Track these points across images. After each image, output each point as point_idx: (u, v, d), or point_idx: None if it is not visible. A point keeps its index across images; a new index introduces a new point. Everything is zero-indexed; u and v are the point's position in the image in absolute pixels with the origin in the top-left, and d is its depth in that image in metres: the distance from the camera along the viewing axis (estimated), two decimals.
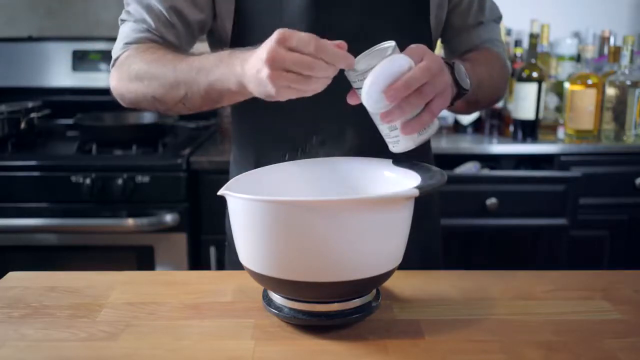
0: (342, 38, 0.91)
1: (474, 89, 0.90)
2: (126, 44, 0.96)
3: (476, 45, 1.05)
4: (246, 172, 0.82)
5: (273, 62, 0.68)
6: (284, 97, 0.72)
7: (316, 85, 0.71)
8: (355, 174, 0.84)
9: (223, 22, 0.97)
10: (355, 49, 0.83)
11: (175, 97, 0.87)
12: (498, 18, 1.09)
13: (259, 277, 0.72)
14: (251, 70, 0.73)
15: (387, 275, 0.73)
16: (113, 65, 0.97)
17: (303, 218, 0.66)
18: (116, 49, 0.97)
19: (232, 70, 0.77)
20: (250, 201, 0.69)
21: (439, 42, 1.07)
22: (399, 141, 0.77)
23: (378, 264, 0.71)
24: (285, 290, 0.73)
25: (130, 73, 0.91)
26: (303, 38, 0.68)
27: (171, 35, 0.97)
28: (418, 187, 0.68)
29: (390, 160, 0.82)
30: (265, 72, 0.69)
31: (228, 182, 0.75)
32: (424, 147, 1.08)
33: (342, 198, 0.68)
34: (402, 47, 0.76)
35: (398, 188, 0.76)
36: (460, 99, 0.87)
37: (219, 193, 0.72)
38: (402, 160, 0.81)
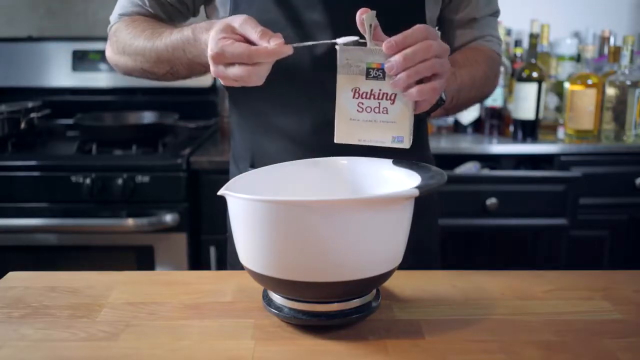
0: (335, 33, 0.92)
1: (453, 95, 0.91)
2: (120, 15, 1.02)
3: (468, 42, 1.05)
4: (246, 172, 0.82)
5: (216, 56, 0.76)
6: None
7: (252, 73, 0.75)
8: (356, 174, 0.84)
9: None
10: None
11: (161, 70, 0.94)
12: (495, 12, 1.08)
13: (259, 277, 0.72)
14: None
15: (387, 275, 0.73)
16: (109, 33, 1.03)
17: (303, 218, 0.66)
18: (112, 16, 1.03)
19: (203, 50, 0.82)
20: (250, 201, 0.68)
21: None
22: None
23: (378, 264, 0.71)
24: (285, 290, 0.73)
25: (119, 47, 0.98)
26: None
27: (161, 13, 1.01)
28: (418, 187, 0.68)
29: (391, 160, 0.82)
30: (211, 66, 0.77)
31: (228, 182, 0.75)
32: (423, 145, 1.09)
33: (342, 198, 0.68)
34: None
35: (398, 188, 0.76)
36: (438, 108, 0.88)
37: (219, 193, 0.72)
38: (402, 160, 0.81)
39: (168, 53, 0.90)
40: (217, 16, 1.00)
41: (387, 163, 0.82)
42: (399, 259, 0.74)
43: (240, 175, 0.80)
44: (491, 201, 1.80)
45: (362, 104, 0.76)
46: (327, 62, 0.93)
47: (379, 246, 0.70)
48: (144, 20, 0.98)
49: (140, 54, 0.94)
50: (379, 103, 0.76)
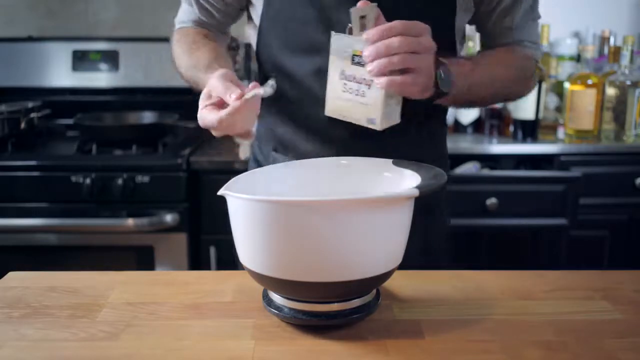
0: None
1: (464, 89, 0.92)
2: (180, 22, 1.13)
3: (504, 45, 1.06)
4: (246, 172, 0.83)
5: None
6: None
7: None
8: (356, 174, 0.84)
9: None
10: None
11: (187, 81, 1.04)
12: (536, 18, 1.07)
13: (259, 277, 0.72)
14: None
15: (387, 275, 0.73)
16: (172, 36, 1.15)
17: (303, 218, 0.66)
18: (176, 19, 1.15)
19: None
20: (250, 201, 0.69)
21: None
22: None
23: (378, 264, 0.71)
24: (285, 290, 0.73)
25: (174, 52, 1.09)
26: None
27: (212, 20, 1.10)
28: (418, 187, 0.68)
29: (391, 160, 0.82)
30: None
31: (228, 182, 0.75)
32: (439, 144, 1.11)
33: (342, 198, 0.68)
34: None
35: (398, 188, 0.76)
36: (450, 97, 0.90)
37: (219, 193, 0.72)
38: (402, 160, 0.81)
39: (191, 69, 1.01)
40: (254, 11, 1.04)
41: (387, 163, 0.82)
42: (399, 259, 0.74)
43: (240, 175, 0.80)
44: (491, 201, 1.80)
45: (346, 85, 0.85)
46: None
47: (379, 246, 0.70)
48: (197, 38, 1.07)
49: (180, 63, 1.06)
50: (359, 86, 0.84)
